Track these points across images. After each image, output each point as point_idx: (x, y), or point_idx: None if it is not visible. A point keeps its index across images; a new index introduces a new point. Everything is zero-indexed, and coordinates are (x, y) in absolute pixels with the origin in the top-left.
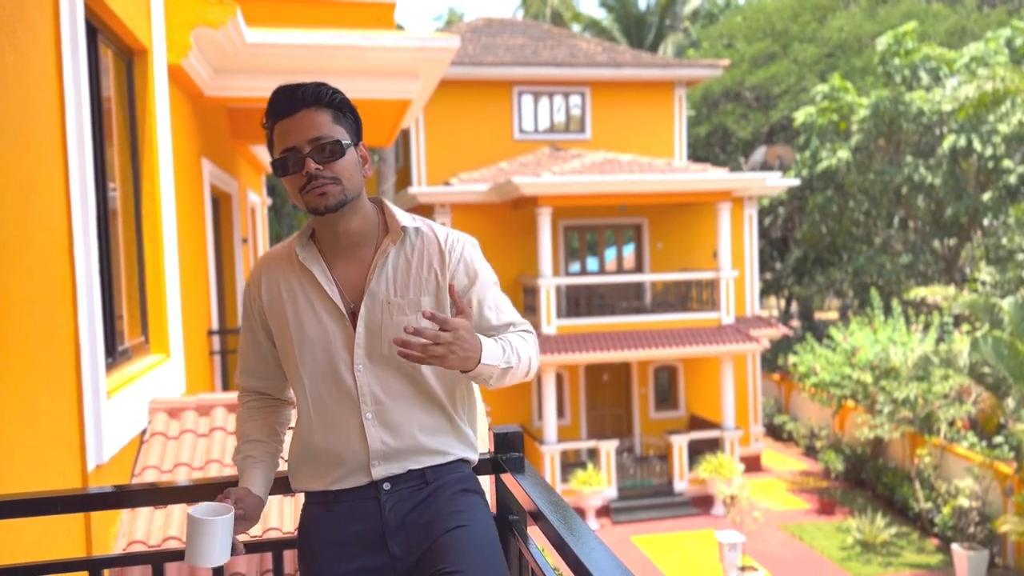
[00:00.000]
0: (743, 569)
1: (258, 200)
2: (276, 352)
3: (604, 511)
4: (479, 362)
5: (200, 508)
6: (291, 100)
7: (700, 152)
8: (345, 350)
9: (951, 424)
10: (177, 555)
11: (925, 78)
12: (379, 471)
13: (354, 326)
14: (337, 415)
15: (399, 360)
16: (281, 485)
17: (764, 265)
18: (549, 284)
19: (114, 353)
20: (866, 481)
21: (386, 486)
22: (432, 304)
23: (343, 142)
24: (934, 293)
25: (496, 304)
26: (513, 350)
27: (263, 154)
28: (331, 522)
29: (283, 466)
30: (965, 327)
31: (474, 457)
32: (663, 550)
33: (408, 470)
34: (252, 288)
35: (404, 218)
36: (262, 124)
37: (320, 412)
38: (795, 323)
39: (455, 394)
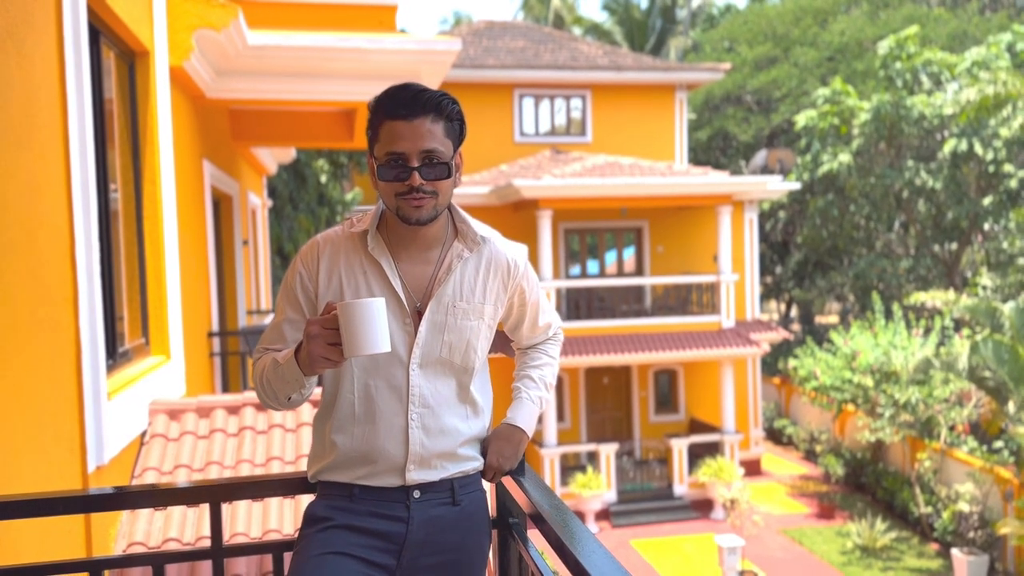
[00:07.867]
0: (742, 573)
1: (259, 202)
2: None
3: (604, 514)
4: (529, 435)
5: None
6: (412, 105)
7: (701, 156)
8: (403, 348)
9: (952, 428)
10: (177, 557)
11: (926, 82)
12: (413, 475)
13: (416, 325)
14: (381, 412)
15: (452, 363)
16: (282, 486)
17: (764, 269)
18: (549, 287)
19: (115, 354)
20: (866, 485)
21: (416, 494)
22: (492, 313)
23: (450, 163)
24: (935, 297)
25: (542, 308)
26: (540, 383)
27: (264, 156)
28: (352, 509)
29: (279, 468)
30: (966, 331)
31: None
32: (662, 554)
33: (439, 479)
34: (308, 265)
35: (478, 226)
36: (369, 106)
37: (365, 405)
38: (795, 327)
39: (486, 397)
